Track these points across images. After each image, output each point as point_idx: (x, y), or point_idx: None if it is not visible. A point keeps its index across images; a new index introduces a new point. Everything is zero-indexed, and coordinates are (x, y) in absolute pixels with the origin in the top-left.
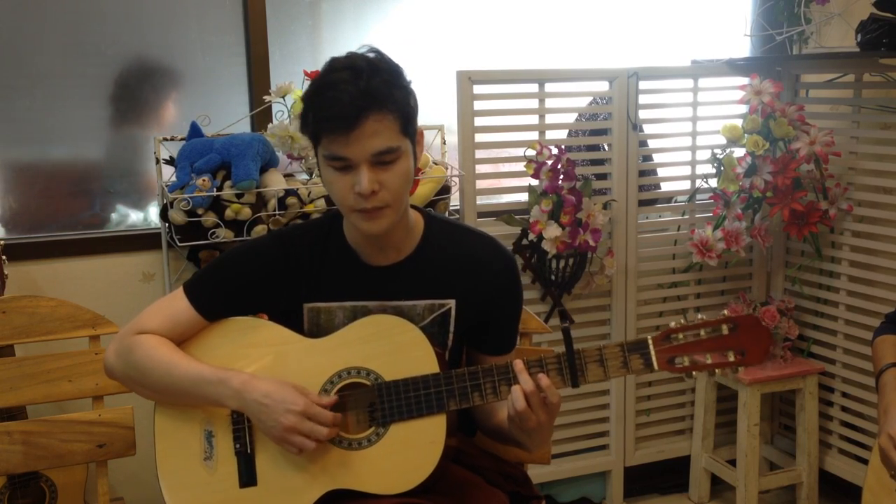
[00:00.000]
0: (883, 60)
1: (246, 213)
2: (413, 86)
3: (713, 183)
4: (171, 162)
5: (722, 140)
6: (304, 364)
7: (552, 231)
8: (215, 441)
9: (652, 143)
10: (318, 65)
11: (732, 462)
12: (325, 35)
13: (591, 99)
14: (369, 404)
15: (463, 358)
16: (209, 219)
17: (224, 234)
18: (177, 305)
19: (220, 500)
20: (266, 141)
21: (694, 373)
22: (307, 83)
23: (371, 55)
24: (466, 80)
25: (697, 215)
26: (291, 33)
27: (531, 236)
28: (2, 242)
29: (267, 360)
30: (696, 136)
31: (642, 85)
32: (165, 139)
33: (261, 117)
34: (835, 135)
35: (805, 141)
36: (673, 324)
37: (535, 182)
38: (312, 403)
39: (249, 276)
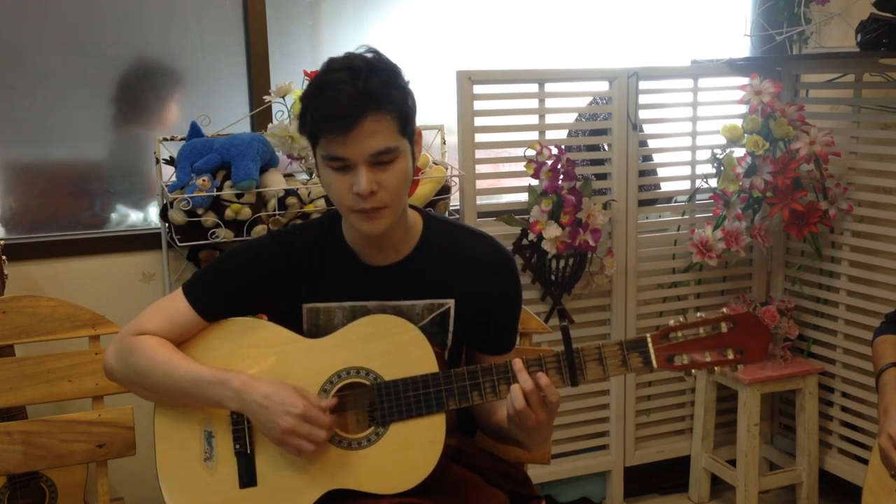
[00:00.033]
0: (883, 60)
1: (246, 213)
2: (411, 86)
3: (713, 183)
4: (171, 162)
5: (722, 140)
6: (304, 364)
7: (552, 231)
8: (215, 442)
9: (652, 143)
10: (318, 65)
11: (732, 462)
12: (325, 35)
13: (591, 99)
14: (369, 404)
15: (462, 358)
16: (209, 219)
17: (224, 234)
18: (176, 306)
19: (221, 501)
20: (266, 141)
21: (693, 371)
22: (307, 83)
23: (369, 55)
24: (466, 80)
25: (697, 215)
26: (291, 33)
27: (531, 236)
28: (2, 242)
29: (267, 361)
30: (696, 136)
31: (642, 85)
32: (165, 139)
33: (261, 117)
34: (835, 135)
35: (805, 141)
36: (672, 322)
37: (535, 182)
38: (311, 406)
39: (249, 276)
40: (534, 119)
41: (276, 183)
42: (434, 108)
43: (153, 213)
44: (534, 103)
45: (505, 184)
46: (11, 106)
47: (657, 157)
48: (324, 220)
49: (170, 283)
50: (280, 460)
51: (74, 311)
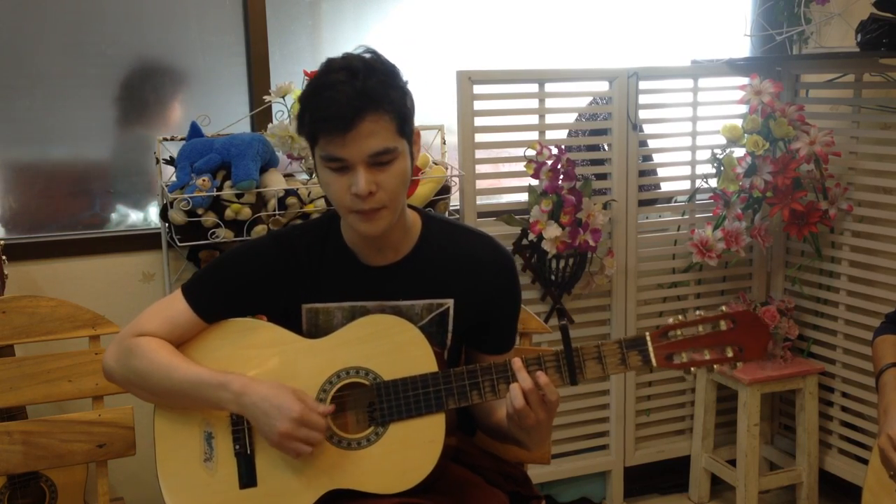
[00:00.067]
0: (883, 60)
1: (246, 213)
2: (410, 86)
3: (713, 183)
4: (171, 162)
5: (722, 140)
6: (304, 365)
7: (552, 231)
8: (215, 442)
9: (652, 143)
10: (318, 65)
11: (732, 462)
12: (325, 35)
13: (591, 99)
14: (368, 404)
15: (462, 357)
16: (209, 219)
17: (224, 234)
18: (175, 307)
19: (221, 502)
20: (266, 141)
21: (693, 369)
22: (307, 83)
23: (367, 56)
24: (466, 80)
25: (697, 215)
26: (291, 33)
27: (531, 236)
28: (2, 242)
29: (266, 362)
30: (696, 136)
31: (642, 85)
32: (166, 139)
33: (261, 117)
34: (835, 135)
35: (805, 141)
36: (671, 320)
37: (535, 182)
38: (309, 410)
39: (248, 277)
40: (534, 119)
41: (276, 183)
42: (434, 108)
43: (153, 213)
44: (534, 103)
45: (505, 184)
46: (11, 106)
47: (657, 157)
48: (323, 220)
49: (170, 283)
50: (280, 461)
51: (74, 311)
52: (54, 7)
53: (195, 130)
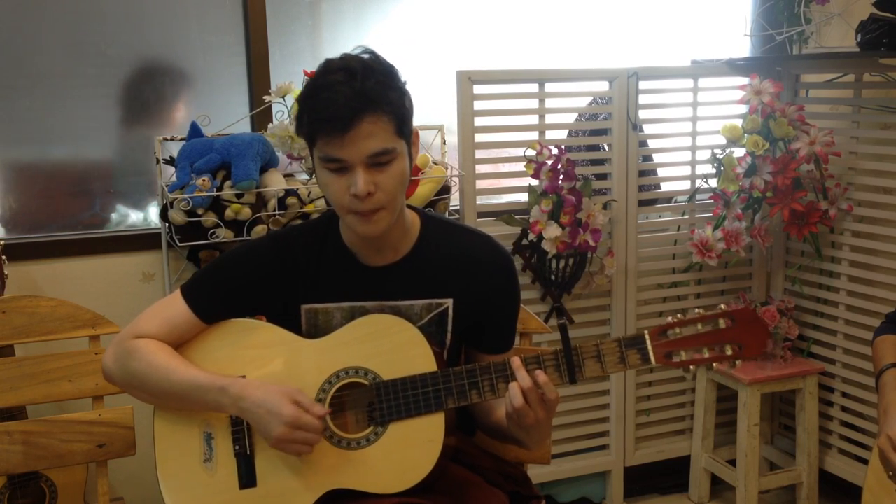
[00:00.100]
0: (883, 60)
1: (246, 213)
2: (409, 86)
3: (713, 183)
4: (171, 162)
5: (722, 140)
6: (303, 365)
7: (552, 231)
8: (214, 443)
9: (652, 143)
10: (318, 65)
11: (732, 462)
12: (325, 35)
13: (591, 99)
14: (368, 404)
15: (461, 357)
16: (209, 219)
17: (224, 234)
18: (174, 308)
19: (221, 502)
20: (266, 141)
21: (692, 367)
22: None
23: (365, 56)
24: (466, 80)
25: (697, 215)
26: (291, 33)
27: (531, 236)
28: (2, 242)
29: (266, 362)
30: (696, 136)
31: (642, 85)
32: (166, 139)
33: (261, 117)
34: (835, 135)
35: (805, 141)
36: (670, 318)
37: (535, 182)
38: (303, 414)
39: (247, 277)
40: (534, 119)
41: (276, 183)
42: (434, 108)
43: (153, 213)
44: (534, 103)
45: (505, 184)
46: (11, 106)
47: (657, 157)
48: (322, 220)
49: (170, 284)
50: (279, 461)
51: (74, 311)
52: (54, 7)
53: (195, 130)
